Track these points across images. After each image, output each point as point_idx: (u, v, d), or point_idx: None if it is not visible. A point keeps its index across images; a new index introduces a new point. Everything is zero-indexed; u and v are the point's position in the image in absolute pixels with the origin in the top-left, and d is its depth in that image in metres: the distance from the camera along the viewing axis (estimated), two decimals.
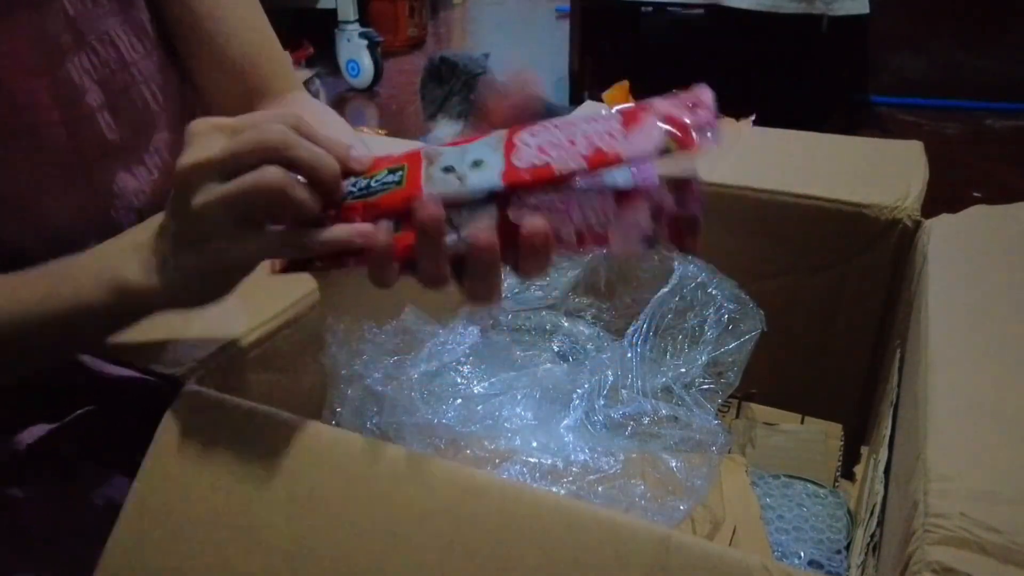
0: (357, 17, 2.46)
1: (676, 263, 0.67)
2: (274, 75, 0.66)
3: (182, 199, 0.39)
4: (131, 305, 0.43)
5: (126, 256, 0.43)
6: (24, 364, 0.47)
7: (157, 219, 0.43)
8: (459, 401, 0.60)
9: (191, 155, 0.39)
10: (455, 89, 1.85)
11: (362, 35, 2.44)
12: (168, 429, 0.44)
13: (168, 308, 0.44)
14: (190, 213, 0.39)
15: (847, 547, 0.63)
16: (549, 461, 0.53)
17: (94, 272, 0.43)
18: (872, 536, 0.49)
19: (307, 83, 1.69)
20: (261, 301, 0.54)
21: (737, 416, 0.76)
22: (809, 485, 0.69)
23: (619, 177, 0.38)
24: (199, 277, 0.41)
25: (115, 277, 0.43)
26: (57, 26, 0.55)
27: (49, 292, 0.44)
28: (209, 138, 0.39)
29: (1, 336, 0.44)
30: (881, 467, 0.51)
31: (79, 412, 0.58)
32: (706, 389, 0.61)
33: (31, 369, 0.48)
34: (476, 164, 0.38)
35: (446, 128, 1.86)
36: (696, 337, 0.64)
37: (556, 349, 0.74)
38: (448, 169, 0.39)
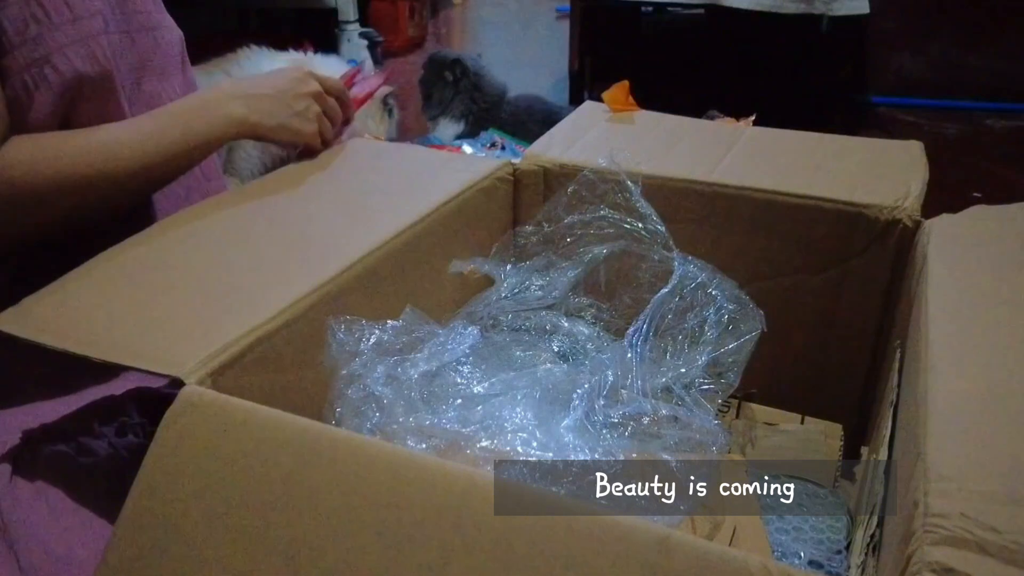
0: (357, 17, 2.46)
1: (676, 264, 0.67)
2: None
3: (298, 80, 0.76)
4: (236, 133, 0.71)
5: (227, 102, 0.70)
6: (134, 196, 0.68)
7: (230, 84, 0.73)
8: (459, 401, 0.59)
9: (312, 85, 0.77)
10: (463, 89, 1.84)
11: (362, 35, 2.44)
12: (168, 429, 0.44)
13: (256, 134, 0.73)
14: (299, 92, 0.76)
15: (847, 547, 0.63)
16: (549, 461, 0.53)
17: (200, 114, 0.68)
18: (872, 536, 0.49)
19: (386, 98, 1.72)
20: (261, 301, 0.54)
21: (737, 416, 0.76)
22: (809, 485, 0.69)
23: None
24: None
25: (228, 114, 0.69)
26: None
27: (160, 133, 0.65)
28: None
29: (130, 169, 0.63)
30: (881, 467, 0.51)
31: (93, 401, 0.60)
32: (706, 389, 0.61)
33: (135, 199, 0.69)
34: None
35: (448, 128, 1.86)
36: (696, 337, 0.64)
37: (556, 349, 0.74)
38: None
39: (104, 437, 0.57)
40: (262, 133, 0.73)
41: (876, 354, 0.74)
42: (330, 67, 1.64)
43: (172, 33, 0.77)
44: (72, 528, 0.51)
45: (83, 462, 0.55)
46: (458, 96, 1.85)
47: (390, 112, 1.75)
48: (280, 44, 1.94)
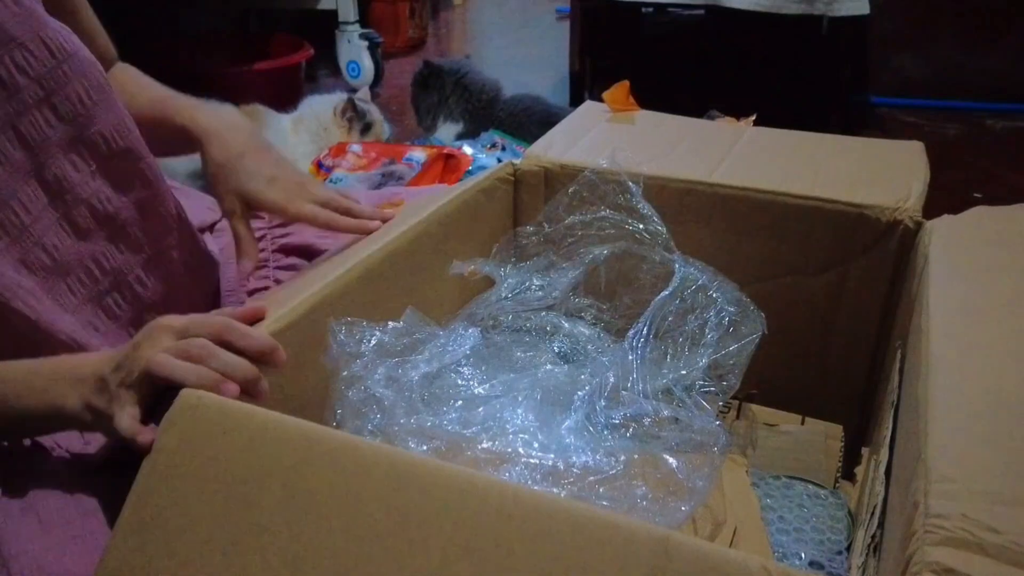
0: (357, 18, 2.46)
1: (677, 266, 0.67)
2: (106, 47, 0.77)
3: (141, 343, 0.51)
4: (63, 422, 0.53)
5: (66, 387, 0.52)
6: None
7: (93, 359, 0.53)
8: (460, 403, 0.59)
9: (163, 320, 0.52)
10: (447, 93, 1.86)
11: (362, 36, 2.44)
12: (168, 431, 0.44)
13: (93, 430, 0.53)
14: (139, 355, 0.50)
15: (848, 548, 0.63)
16: (550, 462, 0.53)
17: (37, 393, 0.53)
18: (873, 537, 0.49)
19: (344, 110, 1.74)
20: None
21: (738, 417, 0.76)
22: (810, 486, 0.69)
23: None
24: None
25: (54, 401, 0.52)
26: None
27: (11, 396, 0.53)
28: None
29: None
30: (882, 468, 0.51)
31: None
32: (706, 392, 0.61)
33: None
34: None
35: (448, 129, 1.86)
36: (696, 340, 0.64)
37: (557, 350, 0.74)
38: None
39: (92, 443, 0.57)
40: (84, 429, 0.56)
41: (877, 355, 0.74)
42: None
43: (84, 80, 0.63)
44: (64, 541, 0.50)
45: (73, 473, 0.55)
46: (447, 99, 1.86)
47: (354, 120, 1.76)
48: (281, 46, 1.93)
